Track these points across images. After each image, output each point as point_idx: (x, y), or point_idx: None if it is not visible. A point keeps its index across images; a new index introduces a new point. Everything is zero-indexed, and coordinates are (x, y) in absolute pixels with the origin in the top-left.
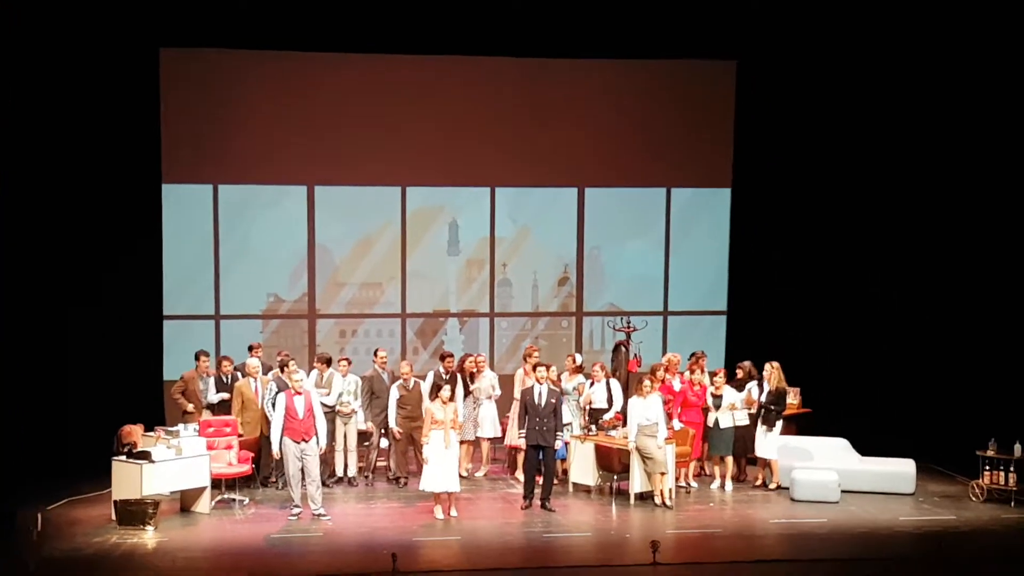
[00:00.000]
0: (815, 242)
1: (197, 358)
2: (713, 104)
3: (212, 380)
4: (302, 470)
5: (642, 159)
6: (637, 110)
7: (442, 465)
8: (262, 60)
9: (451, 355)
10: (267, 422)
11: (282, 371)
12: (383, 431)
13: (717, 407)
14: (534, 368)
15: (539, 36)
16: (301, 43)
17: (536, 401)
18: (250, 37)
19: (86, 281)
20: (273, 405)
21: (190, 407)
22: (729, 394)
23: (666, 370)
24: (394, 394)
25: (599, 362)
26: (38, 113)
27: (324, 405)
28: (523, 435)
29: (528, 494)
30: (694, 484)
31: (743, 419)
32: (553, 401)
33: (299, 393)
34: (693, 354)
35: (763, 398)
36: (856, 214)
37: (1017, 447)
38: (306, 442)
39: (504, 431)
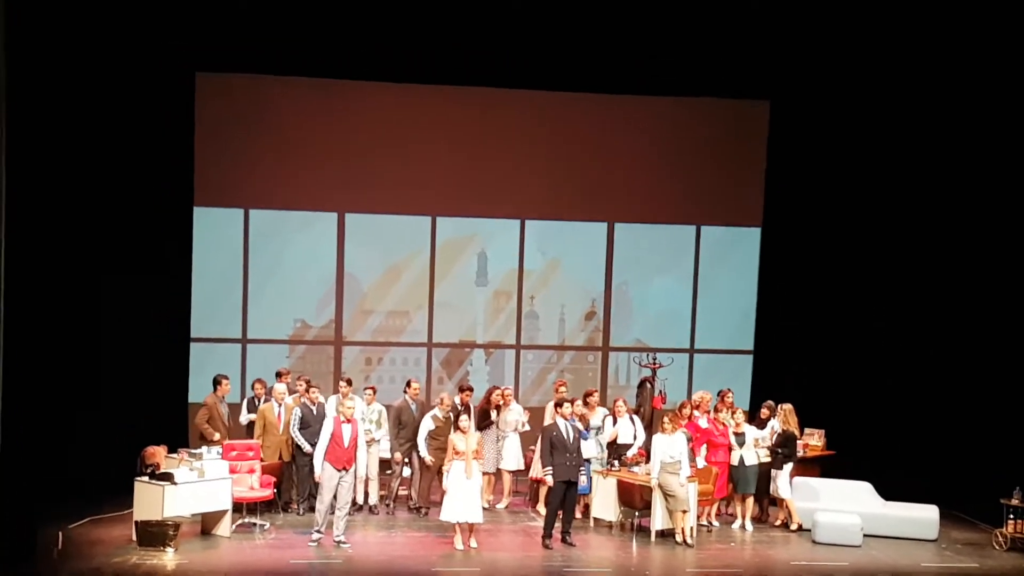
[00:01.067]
0: (843, 284)
1: (218, 383)
2: (745, 143)
3: (245, 402)
4: (334, 497)
5: (673, 196)
6: (669, 146)
7: (463, 495)
8: (296, 86)
9: (470, 387)
10: (287, 447)
11: (304, 395)
12: (407, 460)
13: (741, 444)
14: (558, 404)
15: (574, 70)
16: (336, 71)
17: (564, 437)
18: (285, 63)
19: (115, 300)
20: (301, 430)
21: (216, 436)
22: (750, 431)
23: (695, 408)
24: (428, 424)
25: (621, 397)
26: (74, 133)
27: None
28: (549, 472)
29: (550, 533)
30: (716, 524)
31: (767, 456)
32: (577, 436)
33: (349, 421)
34: (720, 392)
35: (772, 440)
36: (885, 258)
37: None
38: (347, 470)
39: (528, 464)
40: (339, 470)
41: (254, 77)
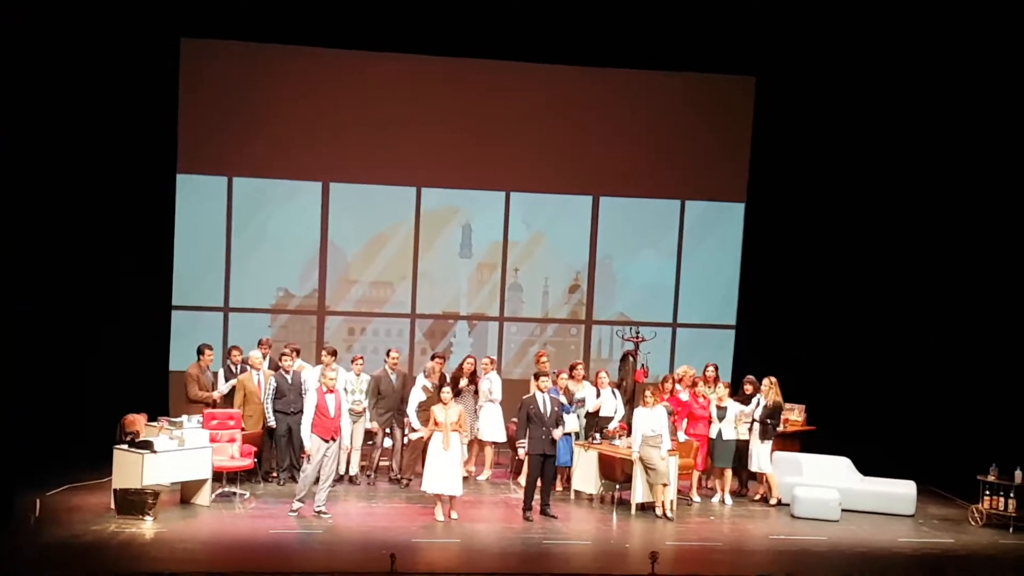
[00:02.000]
0: (826, 260)
1: (201, 352)
2: (730, 119)
3: (221, 371)
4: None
5: (658, 170)
6: (655, 121)
7: (443, 467)
8: (283, 54)
9: (442, 357)
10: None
11: (279, 365)
12: (387, 431)
13: (721, 418)
14: (536, 377)
15: (561, 43)
16: (323, 39)
17: (541, 410)
18: (272, 31)
19: (96, 268)
20: (275, 400)
21: (216, 394)
22: (733, 406)
23: (677, 381)
24: (418, 395)
25: (603, 369)
26: (56, 98)
27: None
28: (522, 444)
29: (529, 505)
30: (697, 498)
31: (745, 432)
32: (556, 410)
33: (332, 391)
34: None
35: (759, 412)
36: (868, 234)
37: (1018, 473)
38: (333, 440)
39: (509, 436)
40: (326, 440)
41: (240, 44)
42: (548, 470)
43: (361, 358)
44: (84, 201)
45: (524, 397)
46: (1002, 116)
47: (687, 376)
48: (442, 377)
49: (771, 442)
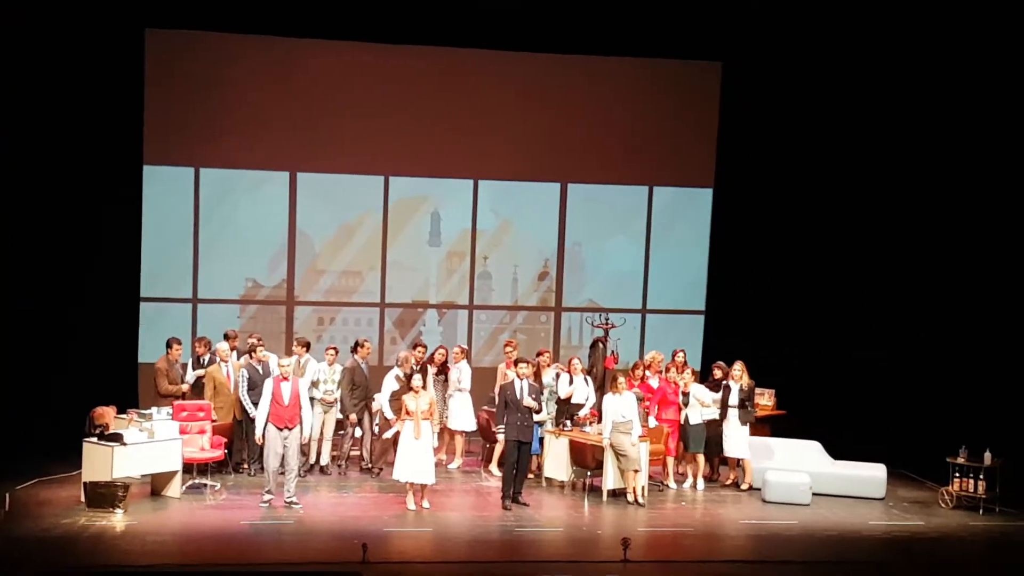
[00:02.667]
0: (794, 245)
1: (169, 345)
2: (697, 104)
3: (189, 363)
4: (281, 457)
5: (625, 156)
6: (622, 107)
7: (414, 456)
8: (249, 44)
9: (423, 345)
10: (240, 407)
11: (250, 356)
12: (359, 420)
13: (686, 404)
14: (515, 363)
15: (526, 30)
16: (289, 28)
17: (518, 396)
18: (237, 21)
19: (63, 260)
20: (249, 391)
21: (185, 387)
22: (696, 390)
23: (647, 367)
24: (391, 384)
25: (576, 356)
26: (18, 89)
27: None
28: (501, 430)
29: (508, 493)
30: (672, 485)
31: (712, 414)
32: (533, 397)
33: (286, 379)
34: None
35: (736, 397)
36: (836, 218)
37: (987, 455)
38: (289, 429)
39: (480, 424)
40: (281, 429)
41: (205, 34)
42: (523, 457)
43: (335, 349)
44: (51, 193)
45: (502, 383)
46: (968, 100)
47: (655, 362)
48: (417, 367)
49: (749, 426)
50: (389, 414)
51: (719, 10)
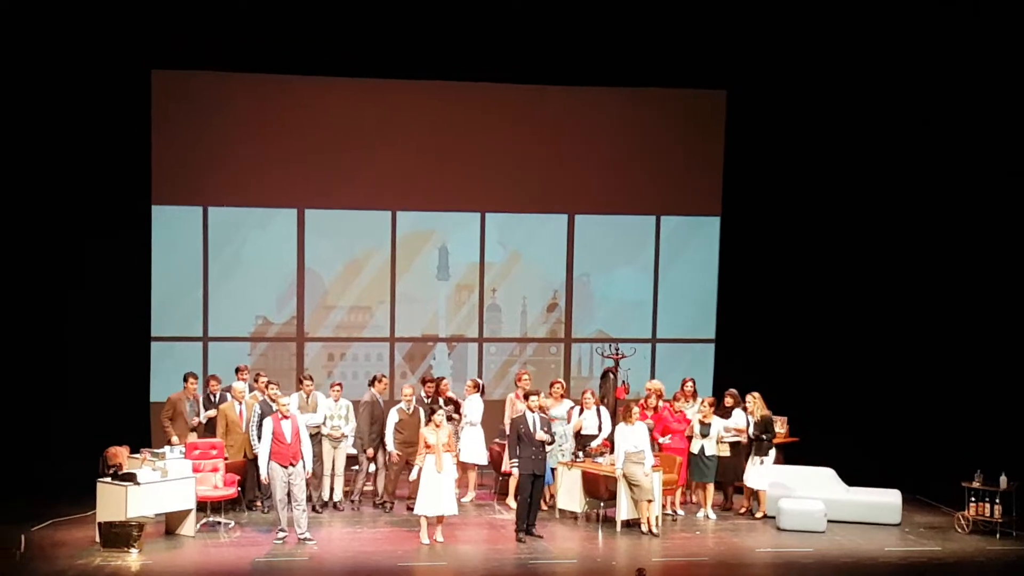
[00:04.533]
0: (803, 271)
1: (185, 380)
2: (703, 133)
3: (201, 400)
4: (288, 494)
5: (632, 186)
6: (628, 138)
7: (436, 489)
8: (254, 83)
9: (432, 379)
10: (251, 445)
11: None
12: (374, 456)
13: (704, 435)
14: (526, 396)
15: (531, 63)
16: (294, 66)
17: (531, 430)
18: (243, 60)
19: (75, 301)
20: (258, 429)
21: (175, 438)
22: (718, 423)
23: (658, 397)
24: (393, 417)
25: (589, 389)
26: (29, 130)
27: (309, 426)
28: (515, 464)
29: (522, 526)
30: (680, 512)
31: (726, 450)
32: (545, 430)
33: (286, 417)
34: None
35: (752, 430)
36: (844, 244)
37: (1003, 479)
38: (293, 466)
39: (491, 457)
40: (285, 467)
41: (211, 74)
42: (537, 490)
43: (340, 384)
44: (61, 236)
45: (514, 417)
46: (973, 127)
47: (651, 392)
48: (431, 400)
49: (772, 456)
50: (391, 447)
51: (723, 39)
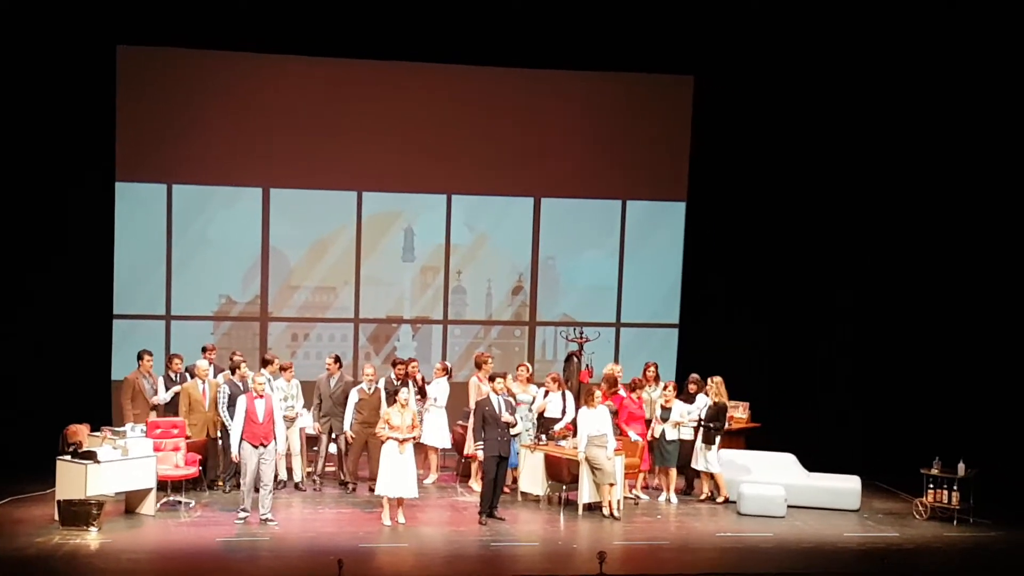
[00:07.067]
0: (768, 257)
1: (140, 358)
2: (670, 118)
3: (161, 379)
4: (257, 474)
5: (598, 170)
6: (594, 122)
7: (397, 470)
8: (221, 61)
9: (403, 361)
10: (214, 424)
11: (232, 373)
12: (333, 436)
13: (665, 419)
14: (491, 379)
15: (498, 45)
16: (261, 45)
17: (496, 412)
18: (209, 37)
19: (36, 277)
20: (229, 408)
21: (154, 400)
22: (679, 407)
23: (611, 384)
24: (353, 397)
25: (553, 373)
26: None
27: None
28: (480, 446)
29: (486, 508)
30: (644, 496)
31: (688, 434)
32: (510, 412)
33: (260, 396)
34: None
35: (703, 414)
36: (809, 229)
37: (961, 466)
38: (264, 446)
39: (454, 439)
40: (256, 446)
41: (177, 51)
42: (501, 472)
43: (289, 364)
44: (22, 210)
45: (478, 399)
46: (942, 113)
47: (611, 375)
48: (399, 382)
49: (717, 444)
50: (347, 427)
51: (690, 24)
